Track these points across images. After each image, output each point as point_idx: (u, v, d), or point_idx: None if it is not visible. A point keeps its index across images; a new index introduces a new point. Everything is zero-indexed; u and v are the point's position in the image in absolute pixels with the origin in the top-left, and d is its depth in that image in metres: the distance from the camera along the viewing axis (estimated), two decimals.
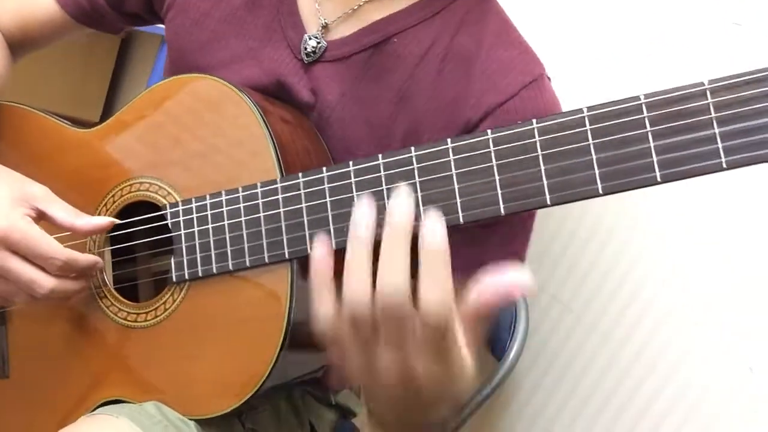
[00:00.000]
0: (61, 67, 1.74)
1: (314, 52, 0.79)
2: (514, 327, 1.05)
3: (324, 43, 0.79)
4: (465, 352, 0.50)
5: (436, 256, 0.47)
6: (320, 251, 0.51)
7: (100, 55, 1.81)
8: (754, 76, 0.49)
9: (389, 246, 0.48)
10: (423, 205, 0.61)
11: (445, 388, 0.51)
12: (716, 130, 0.49)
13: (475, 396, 1.06)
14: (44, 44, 1.01)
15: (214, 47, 0.84)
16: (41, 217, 0.74)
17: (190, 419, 0.74)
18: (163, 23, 0.92)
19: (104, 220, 0.75)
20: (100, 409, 0.76)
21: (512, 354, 1.03)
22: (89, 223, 0.74)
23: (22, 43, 0.98)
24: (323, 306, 0.50)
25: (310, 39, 0.79)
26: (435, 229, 0.47)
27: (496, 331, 1.05)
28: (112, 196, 0.80)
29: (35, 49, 1.01)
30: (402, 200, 0.49)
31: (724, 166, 0.49)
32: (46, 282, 0.71)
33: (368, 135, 0.78)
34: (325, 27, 0.79)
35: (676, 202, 0.98)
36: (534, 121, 0.56)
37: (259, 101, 0.74)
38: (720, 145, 0.49)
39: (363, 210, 0.50)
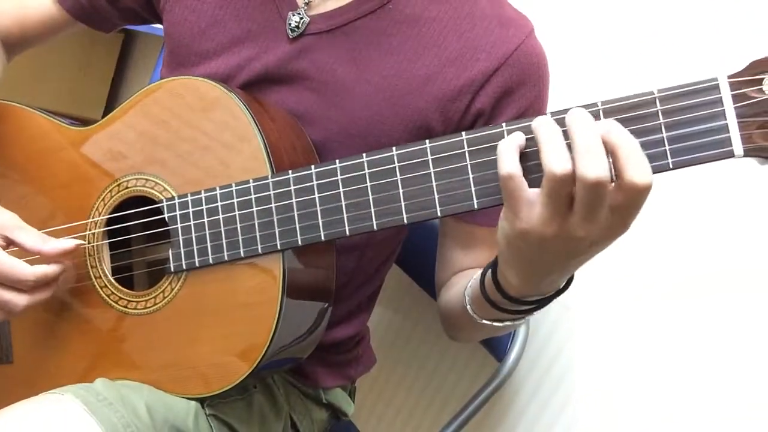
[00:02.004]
0: (64, 67, 1.83)
1: (298, 27, 0.88)
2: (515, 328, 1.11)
3: (306, 19, 0.88)
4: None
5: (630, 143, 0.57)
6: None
7: (101, 55, 1.90)
8: (694, 87, 0.58)
9: (584, 139, 0.58)
10: (404, 200, 0.71)
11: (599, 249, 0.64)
12: (664, 135, 0.58)
13: (475, 397, 1.13)
14: (40, 42, 1.09)
15: (213, 32, 0.91)
16: (10, 244, 0.85)
17: (190, 399, 0.83)
18: (159, 21, 1.00)
19: (70, 243, 0.85)
20: None
21: (513, 355, 1.10)
22: (56, 248, 0.84)
23: (18, 42, 1.07)
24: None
25: (293, 15, 0.88)
26: (619, 127, 0.57)
27: None
28: (110, 191, 0.89)
29: (30, 47, 1.09)
30: (581, 111, 0.59)
31: (671, 166, 0.58)
32: (20, 301, 0.83)
33: (374, 96, 0.87)
34: (308, 4, 0.88)
35: (675, 197, 1.02)
36: (503, 124, 0.65)
37: (249, 102, 0.83)
38: (667, 147, 0.58)
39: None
